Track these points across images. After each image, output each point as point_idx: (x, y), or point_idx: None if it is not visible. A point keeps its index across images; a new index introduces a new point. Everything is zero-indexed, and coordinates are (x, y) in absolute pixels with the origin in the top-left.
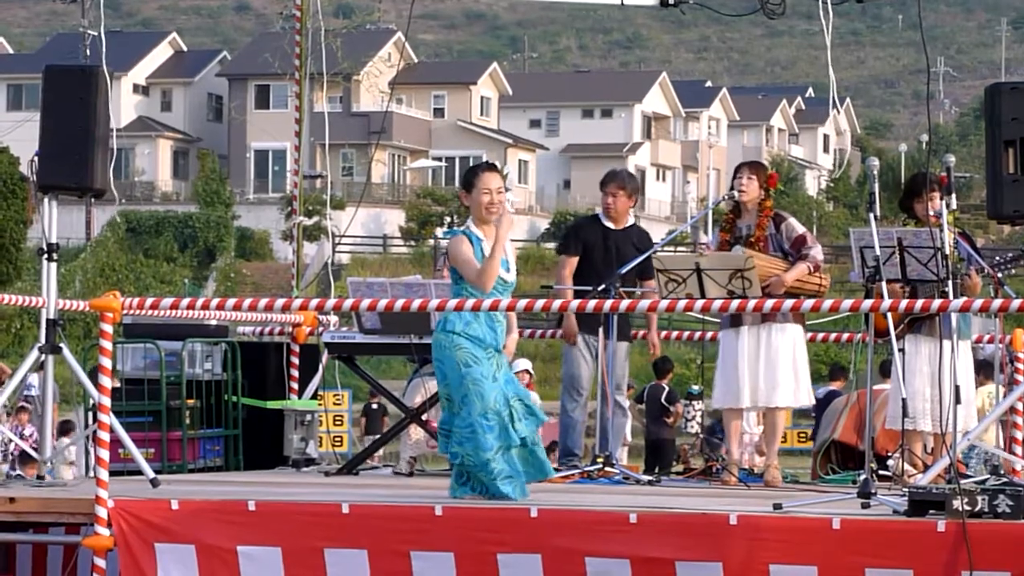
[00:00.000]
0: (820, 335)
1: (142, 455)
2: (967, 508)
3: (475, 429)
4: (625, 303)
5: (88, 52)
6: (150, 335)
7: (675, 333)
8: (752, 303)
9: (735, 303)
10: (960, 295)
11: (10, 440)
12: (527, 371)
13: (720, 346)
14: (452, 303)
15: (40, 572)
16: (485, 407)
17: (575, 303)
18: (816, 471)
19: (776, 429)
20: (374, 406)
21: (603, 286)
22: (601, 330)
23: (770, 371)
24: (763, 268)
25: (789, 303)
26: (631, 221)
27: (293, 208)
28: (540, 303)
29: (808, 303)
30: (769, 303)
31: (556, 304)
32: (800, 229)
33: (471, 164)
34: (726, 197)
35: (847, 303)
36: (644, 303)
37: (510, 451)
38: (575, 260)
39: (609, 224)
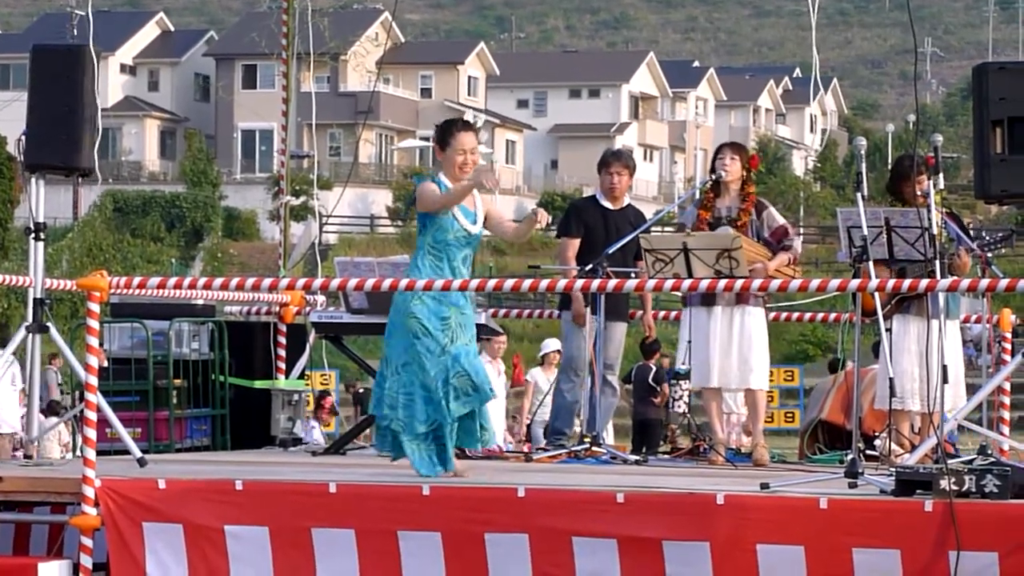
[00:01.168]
0: (807, 315)
1: (129, 435)
2: (954, 488)
3: (413, 398)
4: (612, 283)
5: (75, 32)
6: (137, 314)
7: (662, 313)
8: (740, 283)
9: (723, 283)
10: (951, 275)
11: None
12: (559, 351)
13: (689, 324)
14: (439, 283)
15: (22, 551)
16: (426, 379)
17: (562, 283)
18: (803, 451)
19: (758, 409)
20: (361, 390)
21: (590, 266)
22: (588, 309)
23: (744, 353)
24: (747, 253)
25: (776, 283)
26: (627, 201)
27: (280, 188)
28: (527, 283)
29: (795, 283)
30: (756, 283)
31: (543, 284)
32: (781, 220)
33: None
34: (711, 179)
35: (834, 283)
36: (631, 283)
37: (442, 427)
38: (577, 241)
39: (607, 204)
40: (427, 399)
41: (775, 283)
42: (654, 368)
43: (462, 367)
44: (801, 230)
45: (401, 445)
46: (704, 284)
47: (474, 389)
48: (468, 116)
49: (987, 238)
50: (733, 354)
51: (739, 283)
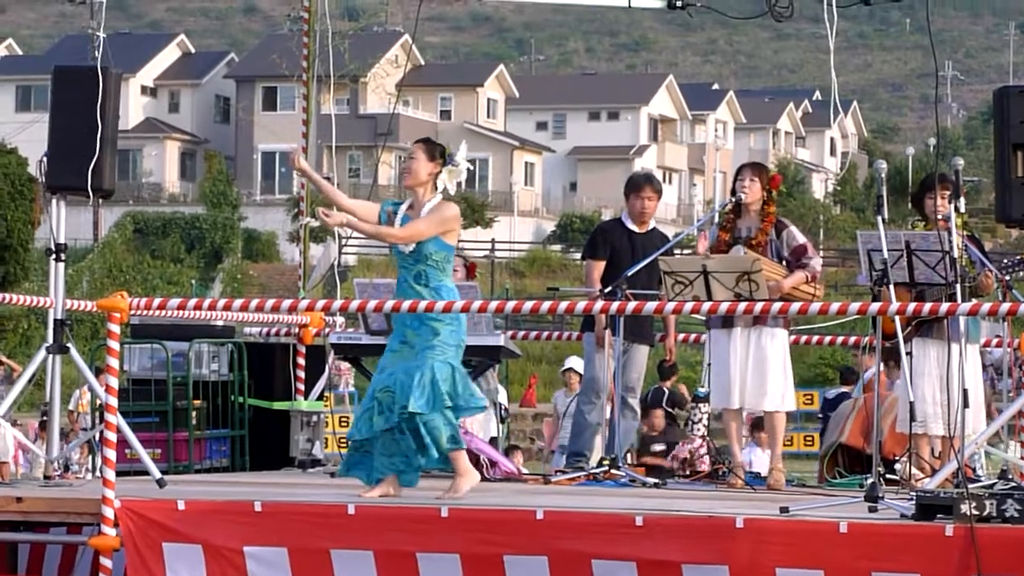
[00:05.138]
0: (827, 338)
1: (149, 455)
2: (975, 512)
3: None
4: (631, 305)
5: (96, 54)
6: (157, 335)
7: (681, 335)
8: (759, 306)
9: (743, 305)
10: (978, 297)
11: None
12: (572, 370)
13: (710, 346)
14: (459, 304)
15: (36, 572)
16: (367, 394)
17: (581, 304)
18: (823, 474)
19: (777, 432)
20: None
21: (609, 288)
22: (608, 332)
23: (760, 375)
24: (763, 271)
25: (795, 307)
26: (652, 224)
27: (300, 209)
28: (546, 305)
29: (815, 306)
30: (776, 306)
31: (562, 306)
32: (801, 239)
33: (477, 167)
34: (731, 200)
35: (855, 306)
36: (650, 305)
37: (367, 441)
38: (603, 264)
39: (633, 227)
40: (357, 413)
41: (794, 307)
42: (667, 391)
43: (387, 384)
44: (821, 253)
45: None
46: (724, 307)
47: (389, 408)
48: (454, 147)
49: (1007, 262)
50: (750, 376)
51: (759, 306)
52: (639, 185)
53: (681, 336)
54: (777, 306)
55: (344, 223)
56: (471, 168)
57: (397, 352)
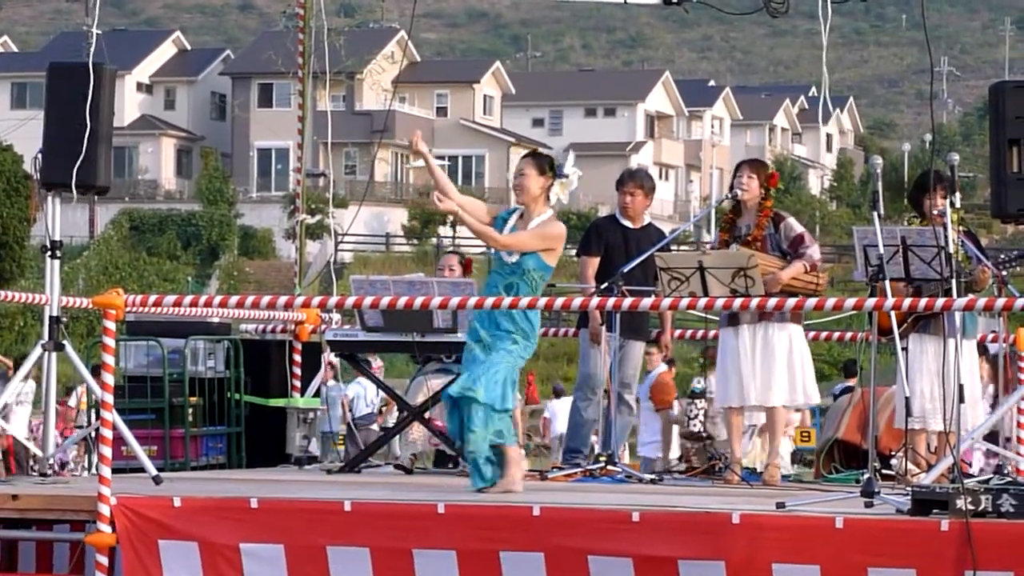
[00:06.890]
0: (823, 334)
1: (145, 452)
2: (971, 507)
3: None
4: (627, 302)
5: (92, 50)
6: (153, 332)
7: (677, 331)
8: (755, 302)
9: (738, 302)
10: (973, 291)
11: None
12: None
13: (720, 345)
14: (455, 300)
15: (45, 569)
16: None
17: (577, 301)
18: (819, 470)
19: (776, 428)
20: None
21: (605, 284)
22: (603, 328)
23: (766, 370)
24: (760, 266)
25: (791, 302)
26: (647, 220)
27: (296, 206)
28: (543, 301)
29: (811, 302)
30: (772, 302)
31: (559, 302)
32: (798, 228)
33: (474, 163)
34: (728, 196)
35: (851, 302)
36: (646, 302)
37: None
38: (596, 260)
39: (627, 223)
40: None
41: (790, 302)
42: None
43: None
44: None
45: None
46: (719, 303)
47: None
48: (560, 158)
49: (1003, 257)
50: (758, 372)
51: (755, 302)
52: (622, 181)
53: (677, 332)
54: (773, 301)
55: (455, 211)
56: (580, 175)
57: (471, 351)
